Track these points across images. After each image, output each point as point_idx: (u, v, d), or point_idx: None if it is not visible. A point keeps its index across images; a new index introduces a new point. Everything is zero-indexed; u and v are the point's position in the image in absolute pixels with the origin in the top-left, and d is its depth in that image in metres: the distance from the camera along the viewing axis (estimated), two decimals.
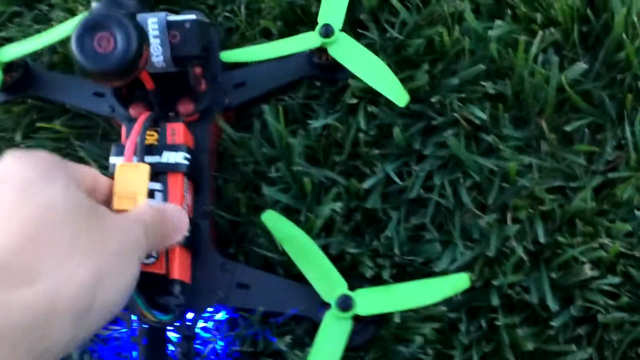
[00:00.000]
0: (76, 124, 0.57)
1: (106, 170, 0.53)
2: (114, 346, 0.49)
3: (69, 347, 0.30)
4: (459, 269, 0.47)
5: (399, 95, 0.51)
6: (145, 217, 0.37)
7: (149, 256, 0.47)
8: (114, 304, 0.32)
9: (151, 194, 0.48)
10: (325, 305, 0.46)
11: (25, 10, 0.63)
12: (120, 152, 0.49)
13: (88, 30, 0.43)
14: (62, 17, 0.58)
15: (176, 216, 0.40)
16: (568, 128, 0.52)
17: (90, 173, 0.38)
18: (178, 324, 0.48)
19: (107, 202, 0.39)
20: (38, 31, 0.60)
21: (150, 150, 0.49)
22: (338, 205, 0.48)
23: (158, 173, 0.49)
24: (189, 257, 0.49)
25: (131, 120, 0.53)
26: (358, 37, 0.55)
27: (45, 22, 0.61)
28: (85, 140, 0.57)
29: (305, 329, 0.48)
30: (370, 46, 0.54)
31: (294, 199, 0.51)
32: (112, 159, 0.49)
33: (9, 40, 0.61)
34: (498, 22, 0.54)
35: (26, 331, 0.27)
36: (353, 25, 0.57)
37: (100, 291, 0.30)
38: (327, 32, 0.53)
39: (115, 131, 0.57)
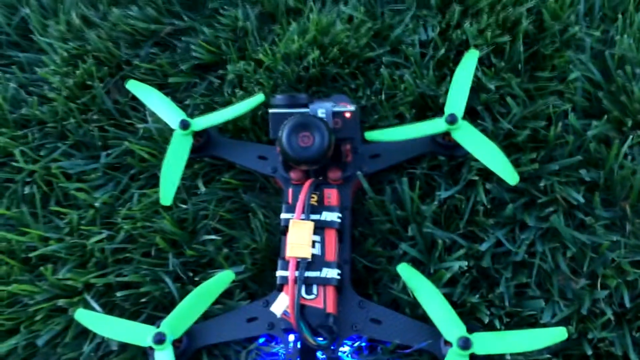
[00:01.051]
0: (241, 178, 0.71)
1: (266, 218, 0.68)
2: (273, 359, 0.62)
3: None
4: (558, 323, 0.58)
5: (510, 175, 0.63)
6: None
7: (310, 293, 0.60)
8: None
9: (312, 244, 0.61)
10: (447, 344, 0.58)
11: (199, 81, 0.78)
12: (289, 210, 0.63)
13: (295, 129, 0.57)
14: (238, 94, 0.73)
15: None
16: None
17: None
18: (325, 348, 0.61)
19: None
20: (214, 101, 0.75)
21: (312, 209, 0.63)
22: (464, 264, 0.60)
23: (317, 228, 0.62)
24: (337, 295, 0.62)
25: (290, 182, 0.67)
26: (474, 124, 0.67)
27: (216, 93, 0.76)
28: (247, 192, 0.71)
29: None
30: (483, 132, 0.67)
31: (420, 254, 0.64)
32: (283, 215, 0.63)
33: (186, 104, 0.76)
34: (594, 122, 0.66)
35: None
36: (470, 113, 0.70)
37: None
38: (452, 120, 0.66)
39: (272, 186, 0.71)
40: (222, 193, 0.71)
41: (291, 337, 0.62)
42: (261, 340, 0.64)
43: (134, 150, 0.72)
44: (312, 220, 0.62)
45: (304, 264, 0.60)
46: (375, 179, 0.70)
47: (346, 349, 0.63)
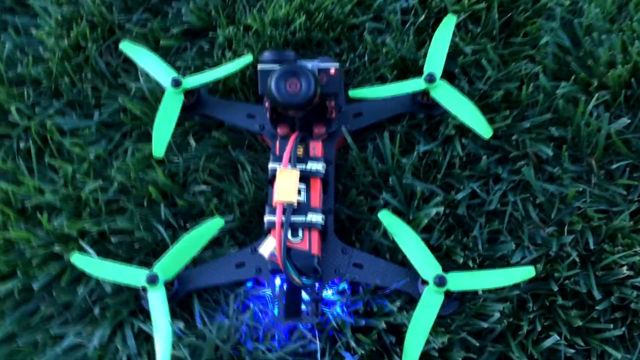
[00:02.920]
0: (230, 136, 0.75)
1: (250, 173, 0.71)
2: (263, 302, 0.66)
3: None
4: (527, 264, 0.62)
5: (485, 129, 0.68)
6: None
7: (296, 236, 0.64)
8: None
9: (298, 192, 0.65)
10: (424, 283, 0.62)
11: (190, 45, 0.81)
12: (277, 160, 0.67)
13: (283, 76, 0.61)
14: (228, 56, 0.76)
15: None
16: (612, 167, 0.68)
17: None
18: (310, 290, 0.64)
19: None
20: (204, 63, 0.78)
21: (298, 160, 0.66)
22: (440, 209, 0.64)
23: (303, 177, 0.66)
24: (321, 239, 0.66)
25: (277, 137, 0.70)
26: None
27: (207, 55, 0.80)
28: (236, 148, 0.74)
29: (405, 300, 0.64)
30: None
31: (400, 204, 0.68)
32: (271, 165, 0.67)
33: (179, 67, 0.79)
34: (563, 83, 0.71)
35: None
36: (448, 77, 0.74)
37: None
38: (431, 79, 0.70)
39: (259, 143, 0.74)
40: (212, 149, 0.74)
41: (277, 281, 0.66)
42: (249, 284, 0.67)
43: (126, 109, 0.75)
44: (298, 169, 0.65)
45: (290, 209, 0.63)
46: (358, 138, 0.74)
47: (330, 292, 0.66)
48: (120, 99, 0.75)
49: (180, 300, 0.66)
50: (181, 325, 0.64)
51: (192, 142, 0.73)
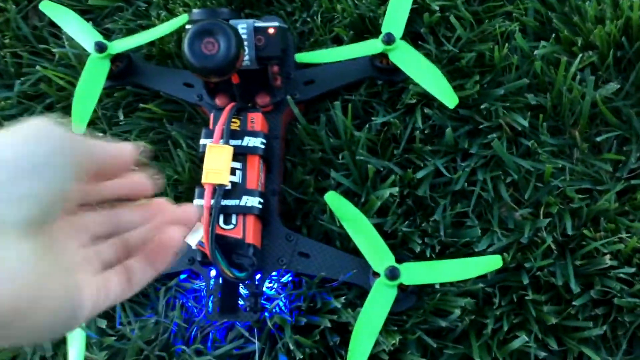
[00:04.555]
0: (166, 108, 0.66)
1: (187, 148, 0.63)
2: (195, 296, 0.58)
3: None
4: (495, 252, 0.54)
5: (449, 98, 0.59)
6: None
7: (229, 222, 0.56)
8: None
9: (232, 171, 0.57)
10: (375, 275, 0.54)
11: (126, 5, 0.72)
12: (209, 135, 0.58)
13: (198, 35, 0.52)
14: (162, 15, 0.67)
15: None
16: (598, 139, 0.59)
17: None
18: (248, 283, 0.57)
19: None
20: (139, 25, 0.69)
21: (233, 134, 0.58)
22: (395, 190, 0.55)
23: (238, 154, 0.57)
24: (260, 227, 0.58)
25: (216, 108, 0.62)
26: (417, 49, 0.62)
27: (143, 17, 0.70)
28: (174, 122, 0.66)
29: (355, 294, 0.56)
30: (427, 57, 0.61)
31: (354, 184, 0.59)
32: (202, 141, 0.58)
33: (110, 30, 0.70)
34: (543, 42, 0.61)
35: None
36: (413, 38, 0.65)
37: None
38: (389, 40, 0.60)
39: (200, 116, 0.66)
40: (145, 123, 0.65)
41: (213, 273, 0.58)
42: (182, 276, 0.59)
43: (50, 78, 0.67)
44: (233, 145, 0.57)
45: (220, 191, 0.54)
46: (311, 108, 0.65)
47: (271, 284, 0.58)
48: (41, 66, 0.67)
49: None
50: (103, 323, 0.56)
51: (121, 116, 0.64)
